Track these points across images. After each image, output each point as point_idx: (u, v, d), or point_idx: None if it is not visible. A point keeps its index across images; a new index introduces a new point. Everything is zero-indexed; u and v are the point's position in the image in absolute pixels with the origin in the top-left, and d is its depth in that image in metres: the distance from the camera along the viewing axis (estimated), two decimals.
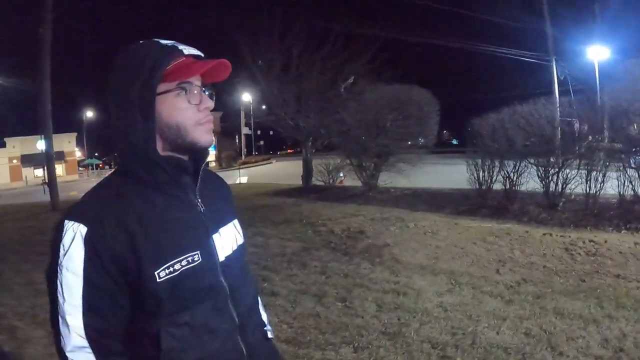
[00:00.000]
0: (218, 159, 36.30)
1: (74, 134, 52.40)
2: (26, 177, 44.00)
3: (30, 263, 6.30)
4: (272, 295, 4.55)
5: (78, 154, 55.19)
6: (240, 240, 1.19)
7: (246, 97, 15.20)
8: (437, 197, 9.39)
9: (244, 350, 1.10)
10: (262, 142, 61.45)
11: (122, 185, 1.02)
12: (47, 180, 14.73)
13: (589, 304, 3.72)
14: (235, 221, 1.21)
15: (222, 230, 1.12)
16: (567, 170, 7.02)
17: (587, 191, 6.82)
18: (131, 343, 1.00)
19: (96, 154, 71.18)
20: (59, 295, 0.95)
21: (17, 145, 45.50)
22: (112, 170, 1.18)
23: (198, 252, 1.02)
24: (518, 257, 5.14)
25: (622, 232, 5.97)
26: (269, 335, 1.29)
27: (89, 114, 55.37)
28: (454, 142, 43.22)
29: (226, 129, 35.49)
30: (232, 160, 34.09)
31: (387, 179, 10.77)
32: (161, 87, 0.98)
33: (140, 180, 1.01)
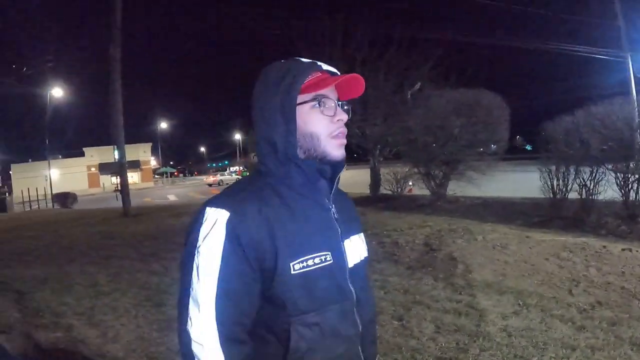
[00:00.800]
0: None
1: (149, 144, 56.52)
2: (103, 184, 48.23)
3: (95, 265, 6.74)
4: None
5: (153, 162, 59.06)
6: (365, 254, 1.23)
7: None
8: (508, 208, 8.91)
9: (362, 358, 1.15)
10: None
11: (261, 183, 1.09)
12: (119, 188, 15.82)
13: None
14: (362, 234, 1.26)
15: (352, 237, 1.18)
16: None
17: None
18: (256, 336, 1.02)
19: (171, 163, 76.00)
20: (193, 277, 0.98)
21: (94, 155, 50.39)
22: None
23: (330, 253, 1.07)
24: (593, 275, 4.74)
25: None
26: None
27: (163, 125, 59.04)
28: (528, 147, 40.67)
29: None
30: None
31: (457, 188, 10.40)
32: (300, 98, 1.07)
33: (279, 180, 1.09)
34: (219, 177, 43.05)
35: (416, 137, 9.79)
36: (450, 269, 5.56)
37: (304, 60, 1.10)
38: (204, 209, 1.03)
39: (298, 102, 1.06)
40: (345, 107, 1.14)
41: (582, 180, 6.94)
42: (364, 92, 1.15)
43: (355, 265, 1.14)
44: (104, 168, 48.59)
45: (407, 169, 11.20)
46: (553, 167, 7.31)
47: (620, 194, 6.58)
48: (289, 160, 1.07)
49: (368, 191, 13.03)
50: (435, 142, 9.52)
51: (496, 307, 4.26)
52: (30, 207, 25.89)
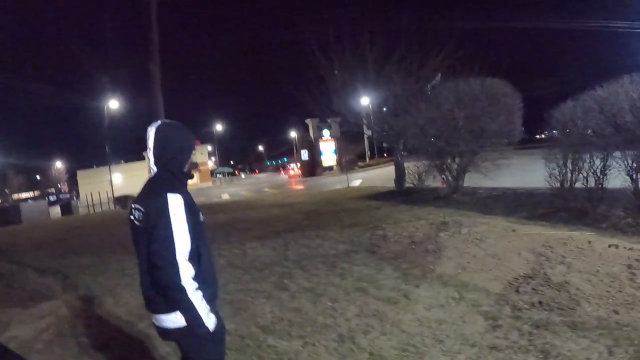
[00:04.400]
0: (339, 163, 36.76)
1: (207, 146, 58.61)
2: None
3: (130, 255, 7.36)
4: (281, 289, 4.73)
5: (210, 163, 61.45)
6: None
7: (365, 100, 15.07)
8: (521, 198, 8.11)
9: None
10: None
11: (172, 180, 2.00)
12: None
13: (598, 346, 2.81)
14: None
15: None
16: None
17: None
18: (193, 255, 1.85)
19: (231, 162, 78.70)
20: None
21: None
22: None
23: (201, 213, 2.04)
24: (557, 273, 4.16)
25: None
26: None
27: (219, 127, 61.18)
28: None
29: (347, 134, 35.85)
30: (353, 164, 34.21)
31: (479, 180, 9.71)
32: None
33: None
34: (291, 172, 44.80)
35: (428, 130, 9.24)
36: (417, 261, 5.25)
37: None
38: (166, 195, 1.85)
39: None
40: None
41: (588, 169, 6.13)
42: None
43: None
44: None
45: (425, 163, 10.61)
46: (558, 156, 6.51)
47: (630, 182, 5.72)
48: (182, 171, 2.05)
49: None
50: (445, 134, 8.90)
51: (429, 298, 3.96)
52: (94, 209, 27.38)
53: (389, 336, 3.21)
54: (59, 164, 73.21)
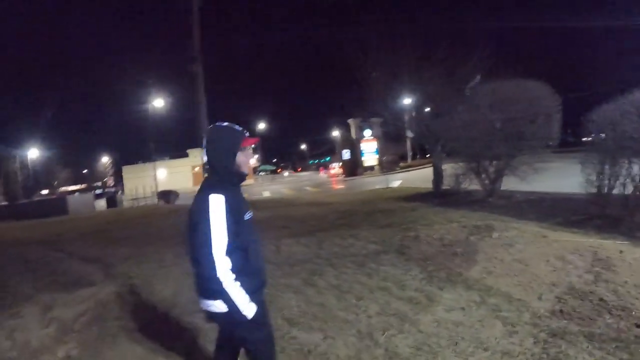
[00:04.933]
0: (380, 163, 36.43)
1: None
2: None
3: (168, 248, 7.90)
4: (309, 285, 4.94)
5: (253, 161, 62.08)
6: None
7: (404, 101, 15.06)
8: (558, 204, 7.88)
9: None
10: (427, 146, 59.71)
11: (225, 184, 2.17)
12: None
13: (612, 359, 2.81)
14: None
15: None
16: None
17: None
18: (235, 250, 2.06)
19: (274, 160, 79.32)
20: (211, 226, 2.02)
21: (197, 155, 52.69)
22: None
23: (250, 211, 2.26)
24: (582, 282, 4.10)
25: None
26: None
27: (261, 126, 61.85)
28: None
29: (388, 134, 35.55)
30: (394, 165, 33.84)
31: (517, 184, 9.50)
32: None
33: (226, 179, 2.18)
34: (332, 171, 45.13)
35: (466, 132, 9.12)
36: (444, 263, 5.28)
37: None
38: (209, 195, 2.05)
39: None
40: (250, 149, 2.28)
41: (626, 175, 5.92)
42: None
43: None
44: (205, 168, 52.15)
45: (462, 165, 10.47)
46: (595, 160, 6.31)
47: None
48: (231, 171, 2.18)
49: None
50: (484, 137, 8.75)
51: (451, 300, 4.03)
52: (138, 203, 28.05)
53: (406, 335, 3.34)
54: (105, 159, 76.40)
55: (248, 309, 2.05)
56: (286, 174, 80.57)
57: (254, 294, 2.10)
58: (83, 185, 70.78)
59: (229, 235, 2.00)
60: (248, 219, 2.19)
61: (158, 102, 33.12)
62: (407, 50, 11.78)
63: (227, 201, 2.03)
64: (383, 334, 3.37)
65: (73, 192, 56.30)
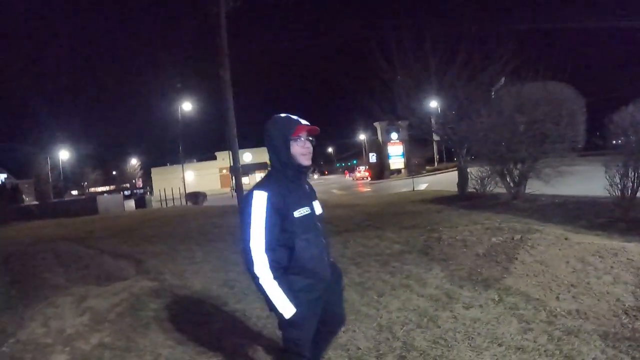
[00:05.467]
0: (407, 166, 36.20)
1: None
2: (232, 185, 51.54)
3: (198, 245, 8.17)
4: None
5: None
6: (321, 211, 2.26)
7: (429, 105, 15.06)
8: (582, 207, 7.76)
9: (326, 258, 2.19)
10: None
11: (275, 175, 2.12)
12: (234, 188, 17.29)
13: (624, 357, 2.86)
14: (317, 200, 2.27)
15: (315, 202, 2.23)
16: None
17: None
18: (278, 248, 2.02)
19: None
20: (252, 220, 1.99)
21: (226, 158, 53.19)
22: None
23: (308, 207, 2.11)
24: (601, 283, 4.13)
25: None
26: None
27: None
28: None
29: (415, 137, 35.36)
30: (420, 168, 33.58)
31: (542, 187, 9.41)
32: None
33: (282, 173, 2.11)
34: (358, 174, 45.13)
35: (490, 135, 9.10)
36: (466, 263, 5.38)
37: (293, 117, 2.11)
38: (253, 190, 2.03)
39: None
40: (310, 139, 2.12)
41: None
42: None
43: (319, 214, 2.20)
44: (233, 170, 52.51)
45: (487, 168, 10.43)
46: (620, 163, 6.25)
47: None
48: (286, 164, 2.08)
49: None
50: (508, 140, 8.71)
51: (469, 298, 4.14)
52: (167, 204, 28.40)
53: (424, 329, 3.48)
54: (134, 161, 77.92)
55: (285, 308, 1.97)
56: (315, 177, 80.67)
57: (299, 292, 2.02)
58: (112, 187, 72.43)
59: (270, 232, 1.96)
60: (301, 216, 2.04)
61: (186, 106, 33.91)
62: (431, 53, 11.83)
63: (269, 198, 1.98)
64: (402, 328, 3.53)
65: (102, 192, 57.90)
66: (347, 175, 51.19)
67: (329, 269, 2.19)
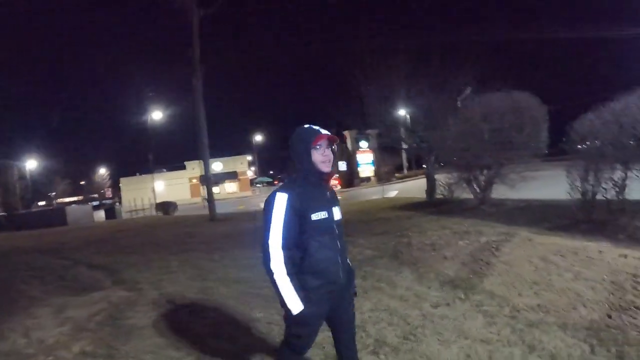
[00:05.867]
0: (377, 174, 36.79)
1: (246, 157, 59.54)
2: (203, 195, 51.01)
3: (172, 255, 8.17)
4: None
5: (250, 173, 62.28)
6: (340, 217, 2.34)
7: (398, 114, 15.36)
8: (546, 210, 8.16)
9: (340, 261, 2.25)
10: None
11: (297, 180, 2.22)
12: (206, 197, 17.20)
13: (583, 345, 3.04)
14: (338, 207, 2.35)
15: (335, 207, 2.30)
16: None
17: None
18: (293, 248, 2.13)
19: (271, 172, 79.60)
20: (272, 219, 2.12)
21: (195, 167, 52.19)
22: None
23: (326, 212, 2.20)
24: (562, 280, 4.35)
25: None
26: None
27: (258, 137, 62.03)
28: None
29: (384, 145, 36.03)
30: (390, 175, 34.17)
31: (507, 192, 9.80)
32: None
33: (303, 178, 2.22)
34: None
35: (457, 142, 9.43)
36: (434, 265, 5.54)
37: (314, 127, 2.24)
38: (276, 192, 2.16)
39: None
40: (332, 147, 2.26)
41: (608, 181, 6.21)
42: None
43: (338, 219, 2.29)
44: (203, 179, 52.14)
45: (455, 175, 10.78)
46: (580, 168, 6.61)
47: None
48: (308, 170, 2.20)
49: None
50: (473, 147, 9.07)
51: (437, 297, 4.29)
52: (137, 214, 28.26)
53: (395, 327, 3.59)
54: (102, 170, 76.21)
55: (294, 304, 2.08)
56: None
57: (310, 292, 2.13)
58: (80, 197, 70.50)
59: (287, 231, 2.09)
60: (318, 219, 2.16)
61: (156, 115, 33.41)
62: (399, 64, 12.17)
63: (289, 199, 2.11)
64: (374, 327, 3.62)
65: (70, 203, 56.00)
66: None
67: (343, 273, 2.26)
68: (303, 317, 2.12)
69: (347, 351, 2.43)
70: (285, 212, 2.09)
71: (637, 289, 3.97)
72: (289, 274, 2.09)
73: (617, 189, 6.22)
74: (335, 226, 2.25)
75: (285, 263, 2.09)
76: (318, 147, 2.20)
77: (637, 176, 5.97)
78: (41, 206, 54.67)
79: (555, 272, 4.62)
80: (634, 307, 3.61)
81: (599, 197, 6.54)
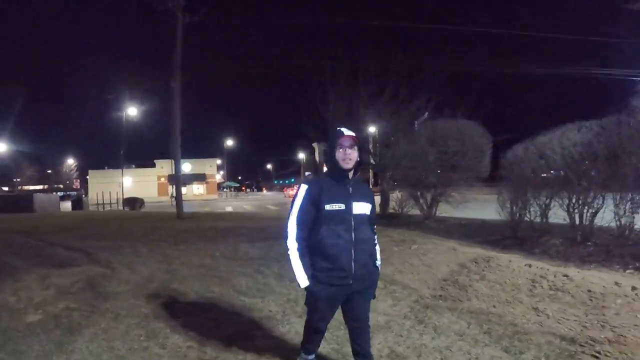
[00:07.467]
0: None
1: (215, 160, 59.88)
2: (171, 193, 51.07)
3: (141, 244, 8.78)
4: (257, 273, 5.87)
5: (218, 177, 62.35)
6: (368, 211, 2.60)
7: (363, 132, 16.26)
8: (482, 227, 9.24)
9: (353, 252, 2.50)
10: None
11: (322, 175, 2.80)
12: (174, 195, 17.62)
13: (462, 322, 3.87)
14: (369, 203, 2.63)
15: (360, 202, 2.56)
16: (597, 202, 6.45)
17: (619, 224, 6.24)
18: (309, 230, 2.52)
19: (239, 177, 79.78)
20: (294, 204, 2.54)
21: (164, 166, 53.15)
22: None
23: (344, 204, 2.49)
24: (468, 280, 5.22)
25: (627, 272, 5.43)
26: (378, 263, 2.74)
27: (229, 142, 62.26)
28: None
29: None
30: None
31: (453, 211, 10.81)
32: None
33: (328, 174, 2.63)
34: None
35: (404, 163, 10.43)
36: None
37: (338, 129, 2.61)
38: (302, 184, 2.58)
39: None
40: (354, 147, 2.56)
41: (532, 204, 7.25)
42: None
43: (359, 214, 2.52)
44: (172, 179, 52.24)
45: (405, 192, 11.76)
46: (508, 193, 7.65)
47: (568, 218, 6.78)
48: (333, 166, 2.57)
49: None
50: (421, 168, 10.07)
51: None
52: (104, 208, 28.74)
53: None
54: (70, 161, 74.64)
55: (301, 278, 2.47)
56: (248, 191, 79.74)
57: (319, 272, 2.47)
58: (45, 186, 68.29)
59: (303, 215, 2.49)
60: (332, 210, 2.47)
61: (131, 111, 33.38)
62: (362, 85, 13.18)
63: (308, 189, 2.52)
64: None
65: (35, 191, 54.46)
66: (286, 191, 52.66)
67: (356, 264, 2.50)
68: (311, 294, 2.53)
69: (360, 348, 2.69)
70: (303, 200, 2.50)
71: (531, 290, 4.83)
72: (300, 252, 2.46)
73: (541, 212, 7.20)
74: (352, 219, 2.49)
75: (299, 242, 2.47)
76: (340, 146, 2.52)
77: (558, 203, 6.94)
78: (4, 191, 52.70)
79: (465, 273, 5.51)
80: (519, 302, 4.49)
81: (526, 218, 7.52)
